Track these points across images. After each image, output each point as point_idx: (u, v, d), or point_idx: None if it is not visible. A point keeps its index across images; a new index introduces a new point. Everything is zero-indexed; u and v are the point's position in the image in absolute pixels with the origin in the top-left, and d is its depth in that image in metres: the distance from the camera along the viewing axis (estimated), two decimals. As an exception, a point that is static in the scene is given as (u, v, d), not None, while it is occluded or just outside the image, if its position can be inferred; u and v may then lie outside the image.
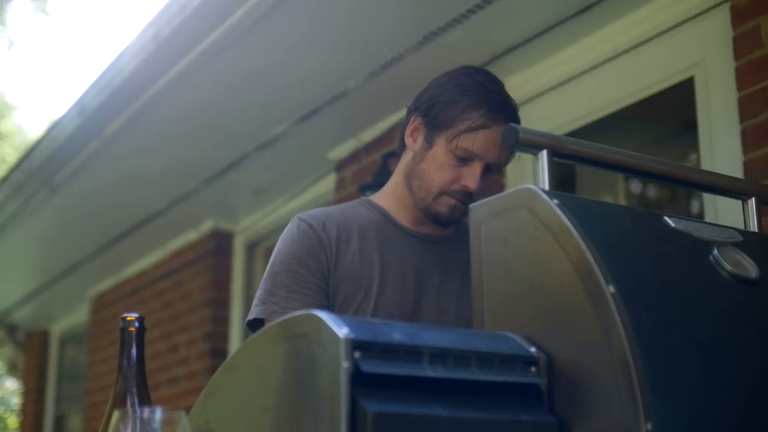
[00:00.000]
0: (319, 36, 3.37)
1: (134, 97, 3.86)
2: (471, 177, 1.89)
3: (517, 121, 1.91)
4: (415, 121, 1.96)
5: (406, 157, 1.99)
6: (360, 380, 1.03)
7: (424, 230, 1.99)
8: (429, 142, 1.93)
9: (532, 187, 1.27)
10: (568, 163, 1.45)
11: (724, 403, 1.18)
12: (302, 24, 3.29)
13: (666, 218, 1.35)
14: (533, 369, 1.17)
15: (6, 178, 5.10)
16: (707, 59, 2.88)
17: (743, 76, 2.66)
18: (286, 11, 3.17)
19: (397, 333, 1.09)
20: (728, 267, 1.31)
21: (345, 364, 1.02)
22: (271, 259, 1.93)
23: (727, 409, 1.18)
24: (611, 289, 1.13)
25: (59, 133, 4.41)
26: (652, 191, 4.17)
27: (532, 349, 1.18)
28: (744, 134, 2.63)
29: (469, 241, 1.97)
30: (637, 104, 3.17)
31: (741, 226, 1.50)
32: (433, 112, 1.92)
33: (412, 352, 1.08)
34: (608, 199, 3.81)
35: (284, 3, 3.12)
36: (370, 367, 1.03)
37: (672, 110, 3.42)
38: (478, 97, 1.89)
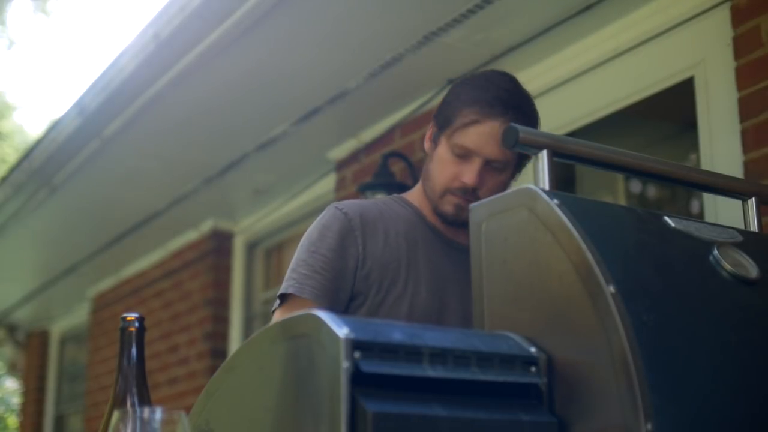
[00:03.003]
0: (319, 36, 3.37)
1: (134, 97, 3.86)
2: (468, 172, 1.90)
3: (520, 115, 1.90)
4: (431, 126, 2.00)
5: (425, 161, 2.03)
6: (360, 380, 1.03)
7: (457, 237, 1.99)
8: (435, 143, 1.97)
9: (532, 187, 1.27)
10: (568, 163, 1.45)
11: (725, 402, 1.18)
12: (302, 24, 3.29)
13: (666, 218, 1.35)
14: (533, 369, 1.17)
15: (6, 178, 5.09)
16: (707, 59, 2.88)
17: (743, 76, 2.66)
18: (286, 11, 3.17)
19: (397, 333, 1.09)
20: (728, 267, 1.31)
21: (345, 364, 1.02)
22: (302, 241, 1.95)
23: (728, 408, 1.18)
24: (611, 289, 1.13)
25: (59, 133, 4.41)
26: (652, 191, 4.17)
27: (532, 349, 1.18)
28: (744, 134, 2.63)
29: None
30: (637, 104, 3.17)
31: (741, 226, 1.50)
32: (440, 114, 1.96)
33: (412, 352, 1.08)
34: (608, 199, 3.81)
35: (284, 3, 3.12)
36: (370, 367, 1.03)
37: (672, 110, 3.42)
38: (476, 94, 1.91)
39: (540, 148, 1.35)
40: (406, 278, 1.91)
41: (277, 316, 1.91)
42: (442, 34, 3.26)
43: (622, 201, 3.89)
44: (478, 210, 1.34)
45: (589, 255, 1.16)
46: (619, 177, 3.80)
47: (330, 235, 1.91)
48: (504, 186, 1.96)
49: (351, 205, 1.97)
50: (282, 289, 1.90)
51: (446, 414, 1.07)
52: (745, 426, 1.19)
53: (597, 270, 1.15)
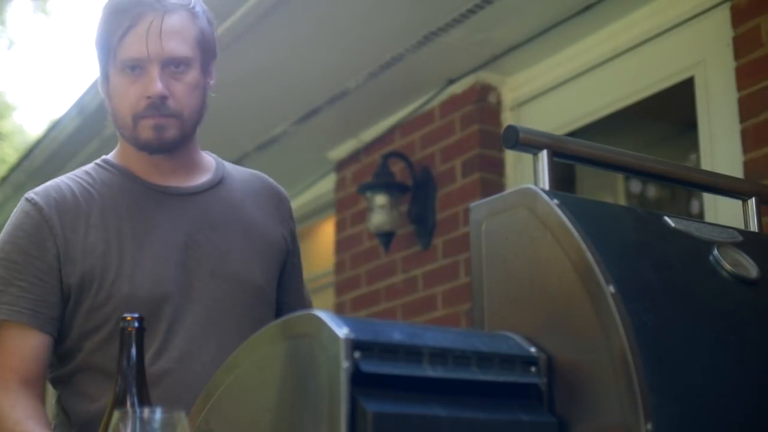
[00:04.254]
0: (319, 36, 3.37)
1: (134, 97, 3.86)
2: (149, 83, 1.69)
3: (167, 3, 1.72)
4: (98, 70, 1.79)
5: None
6: (360, 380, 1.03)
7: (176, 182, 1.80)
8: (105, 78, 1.75)
9: (532, 187, 1.27)
10: (568, 163, 1.45)
11: (724, 402, 1.18)
12: (302, 24, 3.29)
13: (666, 218, 1.35)
14: (533, 369, 1.17)
15: (6, 178, 5.10)
16: (707, 59, 2.88)
17: (743, 76, 2.66)
18: (286, 11, 3.17)
19: (397, 333, 1.09)
20: (728, 267, 1.31)
21: (345, 364, 1.02)
22: None
23: (727, 408, 1.18)
24: (611, 289, 1.13)
25: (59, 133, 4.41)
26: (652, 191, 4.17)
27: (532, 349, 1.18)
28: (744, 134, 2.63)
29: (232, 188, 1.86)
30: (637, 104, 3.17)
31: (741, 226, 1.50)
32: (95, 50, 1.76)
33: (412, 352, 1.08)
34: (608, 199, 3.81)
35: (284, 3, 3.12)
36: (370, 367, 1.03)
37: (672, 110, 3.43)
38: (112, 5, 1.73)
39: (540, 148, 1.35)
40: (120, 257, 1.70)
41: None
42: (442, 34, 3.26)
43: (622, 201, 3.90)
44: (478, 209, 1.34)
45: (588, 255, 1.16)
46: (619, 177, 3.81)
47: (22, 236, 1.70)
48: (196, 88, 1.77)
49: (44, 191, 1.76)
50: None
51: (446, 414, 1.07)
52: (745, 426, 1.19)
53: (597, 270, 1.15)
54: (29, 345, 1.67)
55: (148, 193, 1.77)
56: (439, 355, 1.09)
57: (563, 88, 3.39)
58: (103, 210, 1.74)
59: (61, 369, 1.75)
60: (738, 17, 2.70)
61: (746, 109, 2.64)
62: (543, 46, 3.31)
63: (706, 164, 2.83)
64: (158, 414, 1.05)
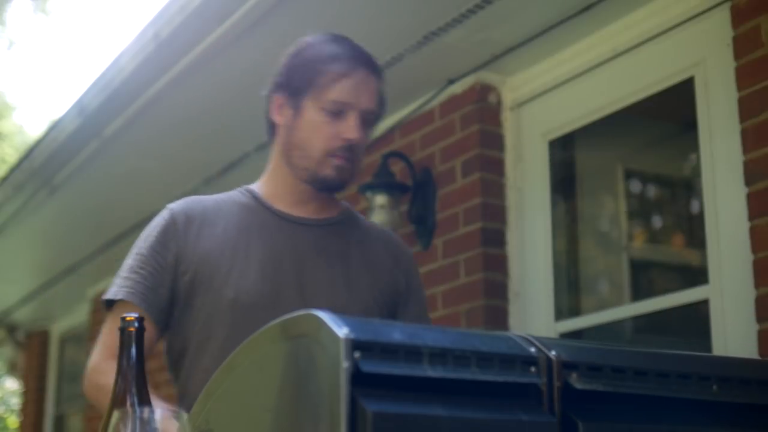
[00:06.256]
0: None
1: (134, 97, 3.86)
2: (349, 128, 1.85)
3: (376, 65, 1.91)
4: (277, 100, 1.93)
5: (280, 136, 1.95)
6: (360, 380, 1.03)
7: (301, 213, 1.95)
8: (297, 109, 1.89)
9: None
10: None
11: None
12: (302, 24, 3.27)
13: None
14: (533, 369, 1.17)
15: (6, 178, 5.09)
16: (707, 59, 2.88)
17: (743, 76, 2.66)
18: (286, 11, 3.17)
19: (397, 333, 1.09)
20: None
21: (345, 364, 1.02)
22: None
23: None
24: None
25: (59, 133, 4.41)
26: (652, 191, 4.17)
27: (532, 349, 1.18)
28: (744, 134, 2.63)
29: (352, 229, 1.97)
30: (637, 104, 3.17)
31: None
32: (292, 80, 1.89)
33: (412, 352, 1.08)
34: (608, 199, 3.81)
35: (284, 3, 3.12)
36: (370, 367, 1.03)
37: (672, 110, 3.42)
38: (329, 50, 1.88)
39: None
40: (230, 265, 1.86)
41: (106, 326, 1.95)
42: (442, 34, 3.26)
43: (622, 201, 3.89)
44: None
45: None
46: (620, 177, 3.80)
47: (153, 234, 1.91)
48: (367, 142, 1.93)
49: (181, 202, 1.97)
50: (104, 295, 1.91)
51: (446, 414, 1.07)
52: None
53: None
54: None
55: (272, 217, 1.94)
56: (439, 355, 1.09)
57: (563, 88, 3.39)
58: (226, 224, 1.91)
59: (177, 379, 1.92)
60: (738, 17, 2.70)
61: (746, 109, 2.64)
62: (543, 46, 3.31)
63: (706, 164, 2.83)
64: (158, 414, 1.05)
